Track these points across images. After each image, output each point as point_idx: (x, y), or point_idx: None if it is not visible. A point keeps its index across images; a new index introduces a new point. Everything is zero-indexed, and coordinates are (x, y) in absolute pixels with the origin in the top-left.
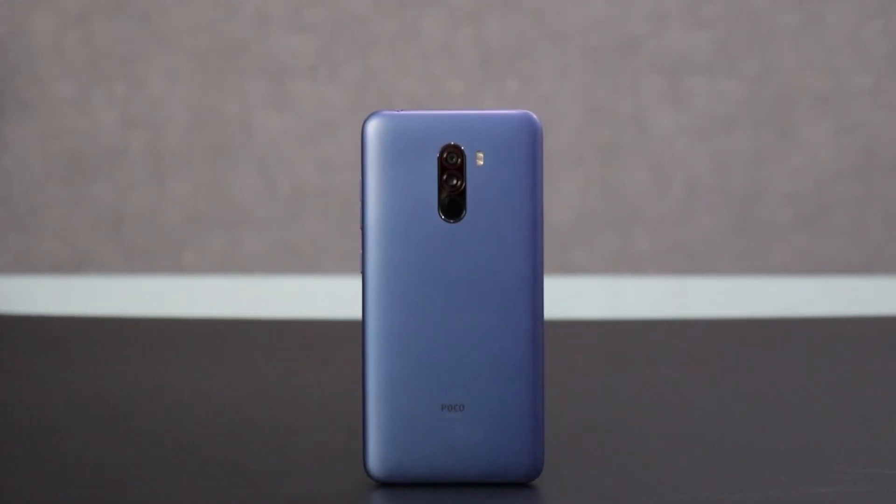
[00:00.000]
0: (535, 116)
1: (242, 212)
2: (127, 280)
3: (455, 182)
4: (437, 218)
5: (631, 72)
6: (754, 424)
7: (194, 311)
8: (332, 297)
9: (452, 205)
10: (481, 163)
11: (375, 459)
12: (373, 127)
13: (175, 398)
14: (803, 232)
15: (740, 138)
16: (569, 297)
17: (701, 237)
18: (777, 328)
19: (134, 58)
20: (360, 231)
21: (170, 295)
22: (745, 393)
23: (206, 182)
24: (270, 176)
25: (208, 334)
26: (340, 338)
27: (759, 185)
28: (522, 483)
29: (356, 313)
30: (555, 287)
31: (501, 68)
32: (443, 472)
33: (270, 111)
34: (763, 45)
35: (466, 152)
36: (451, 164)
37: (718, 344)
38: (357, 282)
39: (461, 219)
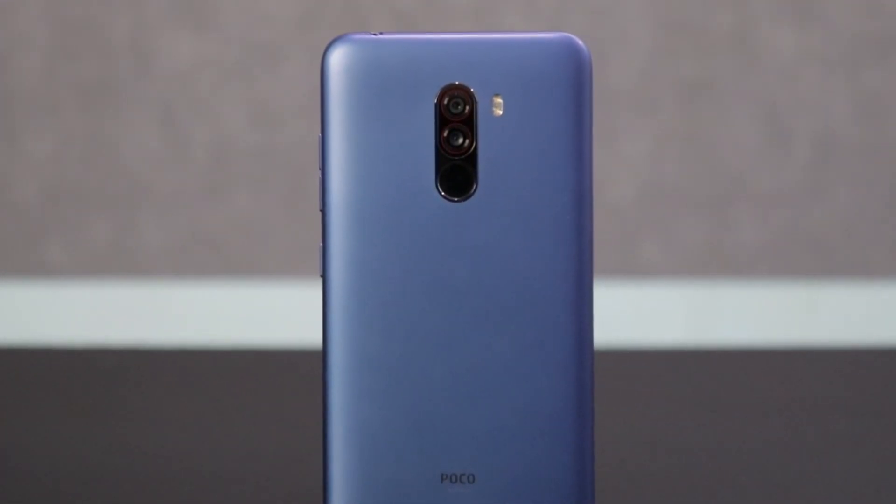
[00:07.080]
0: (580, 41)
1: (136, 184)
2: None
3: (461, 141)
4: (436, 194)
5: None
6: None
7: (64, 334)
8: (276, 312)
9: (457, 174)
10: (500, 112)
11: None
12: (337, 57)
13: (43, 468)
14: None
15: None
16: (635, 313)
17: (838, 222)
18: None
19: None
20: (318, 214)
21: (26, 308)
22: None
23: (78, 139)
24: (179, 129)
25: (87, 369)
26: (291, 374)
27: None
28: None
29: (315, 337)
30: (613, 297)
31: None
32: None
33: (177, 30)
34: None
35: (478, 96)
36: (456, 114)
37: (864, 381)
38: (316, 290)
39: (470, 195)
